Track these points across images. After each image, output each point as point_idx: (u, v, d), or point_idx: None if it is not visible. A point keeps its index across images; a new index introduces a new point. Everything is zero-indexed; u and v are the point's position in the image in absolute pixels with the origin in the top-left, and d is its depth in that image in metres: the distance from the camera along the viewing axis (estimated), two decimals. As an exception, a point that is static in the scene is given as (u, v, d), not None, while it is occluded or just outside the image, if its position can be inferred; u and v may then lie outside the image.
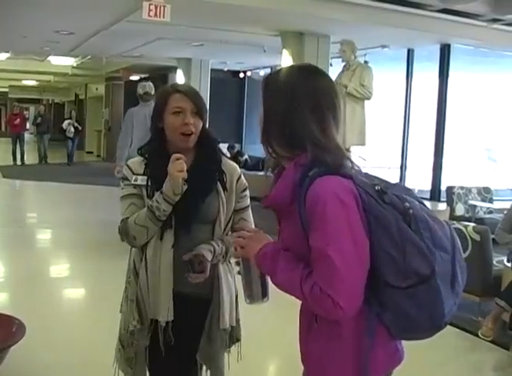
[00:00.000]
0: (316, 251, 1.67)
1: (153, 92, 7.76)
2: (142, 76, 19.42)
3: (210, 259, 2.40)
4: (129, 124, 7.63)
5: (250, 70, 16.76)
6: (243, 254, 1.89)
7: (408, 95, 11.67)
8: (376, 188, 1.73)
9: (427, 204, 9.75)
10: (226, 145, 15.11)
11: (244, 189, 2.62)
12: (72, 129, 20.17)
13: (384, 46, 11.01)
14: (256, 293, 1.91)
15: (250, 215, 2.64)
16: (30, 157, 19.87)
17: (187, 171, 2.37)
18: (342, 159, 1.77)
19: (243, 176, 2.62)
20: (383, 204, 1.71)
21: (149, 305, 2.45)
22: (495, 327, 4.89)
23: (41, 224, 10.15)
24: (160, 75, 17.91)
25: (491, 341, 4.87)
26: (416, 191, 11.27)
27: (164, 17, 6.99)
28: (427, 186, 11.13)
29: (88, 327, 4.98)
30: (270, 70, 16.28)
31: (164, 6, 6.94)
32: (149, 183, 2.45)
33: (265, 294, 1.91)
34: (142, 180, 2.46)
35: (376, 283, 1.69)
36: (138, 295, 2.46)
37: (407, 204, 1.73)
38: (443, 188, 10.54)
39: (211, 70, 15.76)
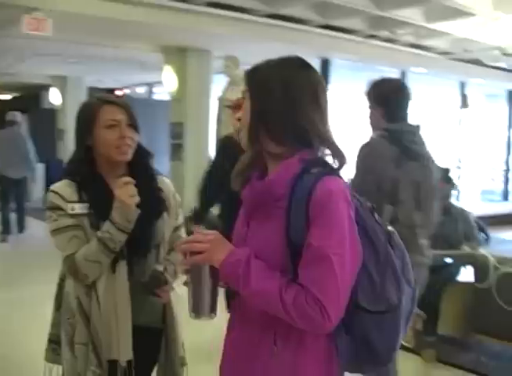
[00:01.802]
0: (315, 251, 1.50)
1: (18, 120, 9.74)
2: (14, 95, 18.57)
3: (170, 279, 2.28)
4: None
5: (127, 87, 16.41)
6: (204, 260, 1.61)
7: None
8: (368, 204, 1.64)
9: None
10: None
11: (179, 206, 2.44)
12: None
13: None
14: (205, 307, 1.66)
15: (183, 232, 2.46)
16: None
17: None
18: (344, 159, 1.64)
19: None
20: (374, 220, 1.62)
21: (104, 347, 2.17)
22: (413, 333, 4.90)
23: None
24: (32, 94, 17.19)
25: (407, 349, 4.90)
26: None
27: (45, 31, 6.65)
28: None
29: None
30: (148, 88, 16.09)
31: (45, 20, 6.60)
32: (91, 212, 2.17)
33: (213, 308, 1.69)
34: (80, 208, 2.16)
35: (348, 303, 1.54)
36: (93, 337, 2.17)
37: (390, 228, 1.65)
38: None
39: (87, 88, 15.29)
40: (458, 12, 7.96)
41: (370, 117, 3.22)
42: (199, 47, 9.81)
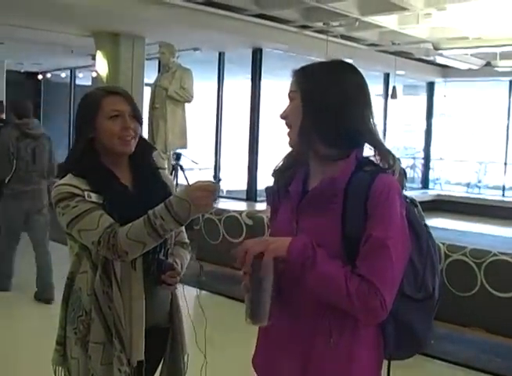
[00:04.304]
0: (376, 242, 1.56)
1: None
2: None
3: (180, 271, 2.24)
4: None
5: (49, 71, 15.94)
6: (271, 253, 1.57)
7: (220, 98, 11.87)
8: (409, 199, 1.71)
9: (244, 204, 9.81)
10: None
11: None
12: None
13: (196, 49, 11.03)
14: (264, 313, 1.62)
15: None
16: None
17: (133, 182, 2.18)
18: (394, 162, 1.68)
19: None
20: (417, 215, 1.70)
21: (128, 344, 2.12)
22: None
23: None
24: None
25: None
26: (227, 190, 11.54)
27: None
28: (243, 186, 11.41)
29: None
30: (71, 73, 15.72)
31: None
32: (105, 203, 2.09)
33: (270, 315, 1.64)
34: (96, 198, 2.07)
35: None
36: (118, 331, 2.09)
37: (426, 222, 1.74)
38: (259, 187, 10.89)
39: (6, 71, 14.77)
40: (392, 7, 8.15)
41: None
42: (131, 33, 9.67)
